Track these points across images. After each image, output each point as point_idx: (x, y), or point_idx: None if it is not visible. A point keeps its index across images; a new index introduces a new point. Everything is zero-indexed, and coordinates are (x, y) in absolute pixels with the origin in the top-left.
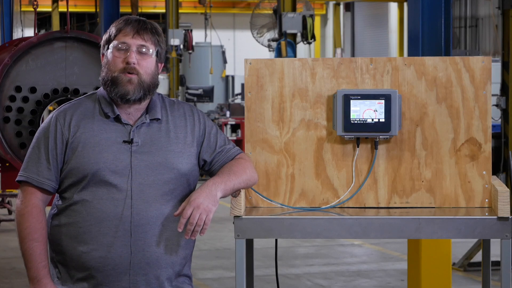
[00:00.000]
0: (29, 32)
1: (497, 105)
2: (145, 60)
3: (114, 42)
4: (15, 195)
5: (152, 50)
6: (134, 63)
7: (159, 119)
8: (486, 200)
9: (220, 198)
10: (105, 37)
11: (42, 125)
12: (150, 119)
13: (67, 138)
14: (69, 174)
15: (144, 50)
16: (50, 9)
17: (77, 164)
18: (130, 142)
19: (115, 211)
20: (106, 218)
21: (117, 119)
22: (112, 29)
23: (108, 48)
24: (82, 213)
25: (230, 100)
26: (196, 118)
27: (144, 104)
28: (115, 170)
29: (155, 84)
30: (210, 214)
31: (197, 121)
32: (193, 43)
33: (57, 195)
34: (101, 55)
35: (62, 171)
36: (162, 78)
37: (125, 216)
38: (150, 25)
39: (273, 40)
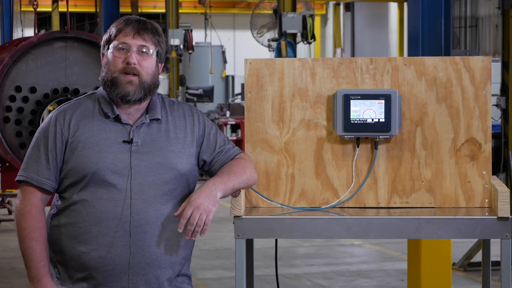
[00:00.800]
0: (29, 32)
1: (497, 105)
2: (145, 60)
3: (115, 42)
4: (15, 195)
5: (152, 50)
6: (134, 64)
7: (159, 119)
8: (486, 200)
9: (220, 198)
10: (105, 37)
11: (41, 125)
12: (150, 119)
13: (66, 138)
14: (68, 174)
15: (144, 50)
16: (50, 9)
17: (76, 164)
18: (130, 142)
19: (115, 211)
20: (106, 218)
21: (117, 119)
22: (113, 29)
23: (108, 48)
24: (81, 213)
25: (230, 100)
26: (196, 118)
27: (144, 104)
28: (115, 170)
29: (155, 85)
30: (210, 215)
31: (196, 121)
32: (193, 43)
33: (56, 195)
34: (101, 55)
35: (61, 171)
36: (162, 78)
37: (124, 216)
38: (151, 25)
39: (273, 40)
